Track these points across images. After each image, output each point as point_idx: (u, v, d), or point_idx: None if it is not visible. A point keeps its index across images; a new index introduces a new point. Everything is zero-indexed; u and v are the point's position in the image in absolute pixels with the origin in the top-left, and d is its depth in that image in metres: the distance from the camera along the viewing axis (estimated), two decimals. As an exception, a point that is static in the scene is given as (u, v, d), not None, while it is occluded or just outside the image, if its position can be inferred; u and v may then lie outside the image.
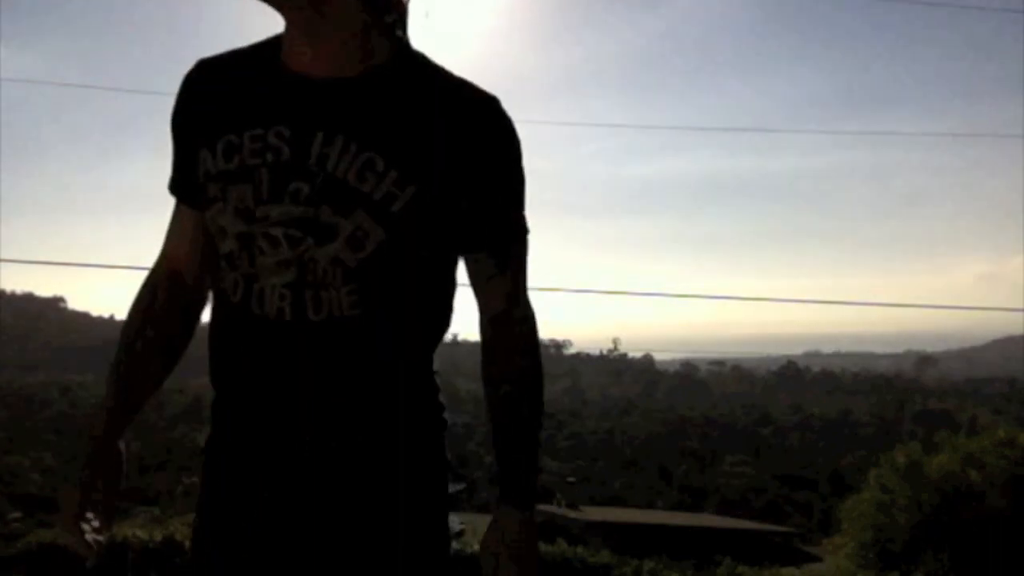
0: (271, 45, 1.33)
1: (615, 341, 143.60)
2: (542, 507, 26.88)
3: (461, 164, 1.25)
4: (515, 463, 1.37)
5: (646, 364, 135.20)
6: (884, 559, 15.09)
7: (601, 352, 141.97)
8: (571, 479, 30.14)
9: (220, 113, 1.31)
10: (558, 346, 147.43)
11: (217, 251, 1.32)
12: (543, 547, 7.83)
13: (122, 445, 1.43)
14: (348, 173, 1.22)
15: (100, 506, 1.37)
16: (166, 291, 1.44)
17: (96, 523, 1.35)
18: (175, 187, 1.42)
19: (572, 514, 23.54)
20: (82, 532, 1.34)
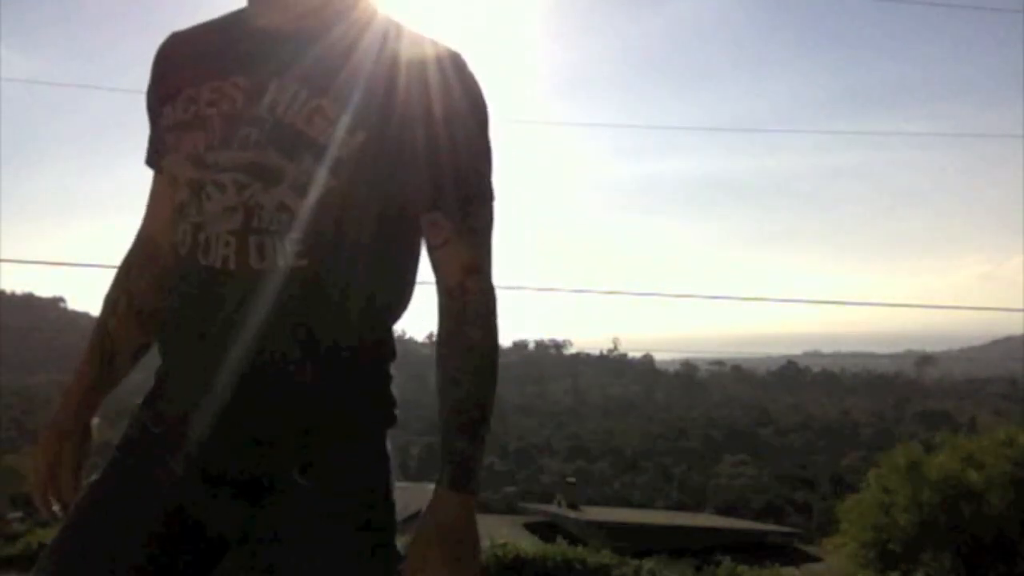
0: (241, 10, 1.35)
1: (615, 341, 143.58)
2: (542, 507, 26.86)
3: (417, 115, 1.22)
4: (454, 443, 1.27)
5: (646, 364, 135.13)
6: (884, 559, 15.08)
7: (601, 352, 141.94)
8: (571, 479, 30.04)
9: (184, 72, 1.32)
10: (558, 346, 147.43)
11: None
12: (543, 547, 7.82)
13: (95, 421, 1.44)
14: (297, 118, 1.21)
15: (66, 478, 1.38)
16: (141, 259, 1.44)
17: (62, 495, 1.38)
18: (149, 158, 1.42)
19: (572, 514, 23.49)
20: (49, 504, 1.38)
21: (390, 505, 1.32)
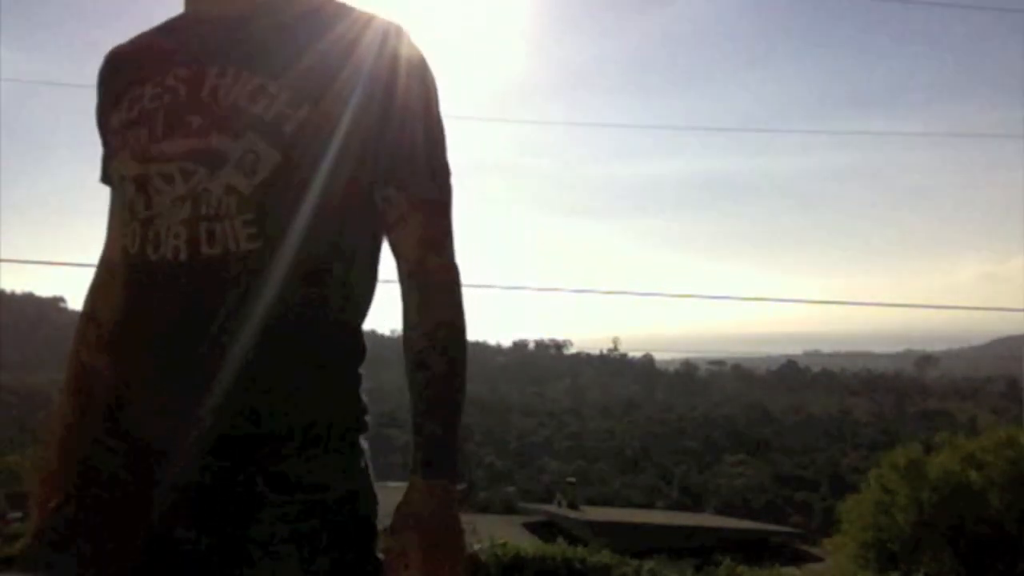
0: (181, 14, 1.34)
1: (615, 341, 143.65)
2: (543, 507, 26.86)
3: (362, 88, 1.20)
4: (425, 428, 1.20)
5: (646, 364, 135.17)
6: (884, 559, 15.08)
7: (601, 352, 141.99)
8: (571, 479, 30.03)
9: (128, 76, 1.30)
10: (558, 346, 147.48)
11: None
12: (543, 546, 7.81)
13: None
14: (240, 98, 1.18)
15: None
16: (104, 284, 1.39)
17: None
18: (103, 175, 1.39)
19: (572, 514, 23.49)
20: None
21: (365, 521, 1.25)
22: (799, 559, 20.04)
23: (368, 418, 1.28)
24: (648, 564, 7.59)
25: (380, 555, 1.24)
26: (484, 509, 29.24)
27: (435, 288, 1.24)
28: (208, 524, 1.19)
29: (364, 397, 1.27)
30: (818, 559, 20.33)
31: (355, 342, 1.27)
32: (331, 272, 1.21)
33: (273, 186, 1.16)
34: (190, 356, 1.18)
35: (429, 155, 1.24)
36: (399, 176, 1.23)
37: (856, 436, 69.92)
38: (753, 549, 17.39)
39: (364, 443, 1.28)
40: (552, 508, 25.26)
